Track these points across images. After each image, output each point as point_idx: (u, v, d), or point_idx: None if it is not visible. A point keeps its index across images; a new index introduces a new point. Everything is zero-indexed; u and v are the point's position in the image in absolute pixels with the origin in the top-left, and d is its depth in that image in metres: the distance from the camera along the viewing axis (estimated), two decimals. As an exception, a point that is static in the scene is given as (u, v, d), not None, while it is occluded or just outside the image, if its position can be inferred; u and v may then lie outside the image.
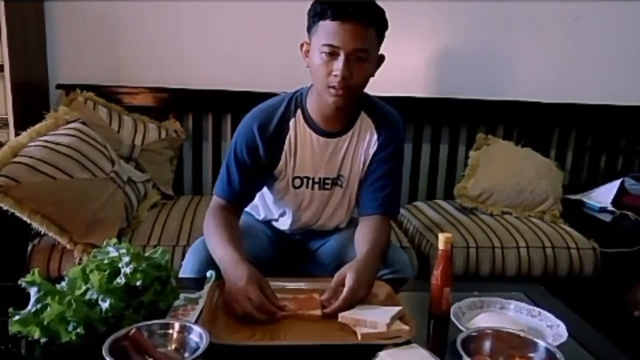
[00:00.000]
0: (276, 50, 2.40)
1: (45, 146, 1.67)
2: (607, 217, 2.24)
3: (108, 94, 2.26)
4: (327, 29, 1.24)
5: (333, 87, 1.27)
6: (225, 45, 2.40)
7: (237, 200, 1.43)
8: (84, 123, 1.87)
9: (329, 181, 1.45)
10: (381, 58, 1.35)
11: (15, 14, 2.04)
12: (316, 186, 1.45)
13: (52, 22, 2.30)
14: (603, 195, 2.35)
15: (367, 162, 1.44)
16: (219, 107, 2.41)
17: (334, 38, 1.23)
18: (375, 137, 1.43)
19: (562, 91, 2.58)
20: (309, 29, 1.31)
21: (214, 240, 1.31)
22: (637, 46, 2.62)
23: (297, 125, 1.40)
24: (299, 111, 1.40)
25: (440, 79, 2.55)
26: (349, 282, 1.14)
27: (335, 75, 1.25)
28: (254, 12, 2.37)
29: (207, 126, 2.43)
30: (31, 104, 2.16)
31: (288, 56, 2.38)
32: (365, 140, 1.43)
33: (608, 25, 2.58)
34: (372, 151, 1.44)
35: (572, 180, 2.60)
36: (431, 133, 2.54)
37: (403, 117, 1.50)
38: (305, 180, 1.44)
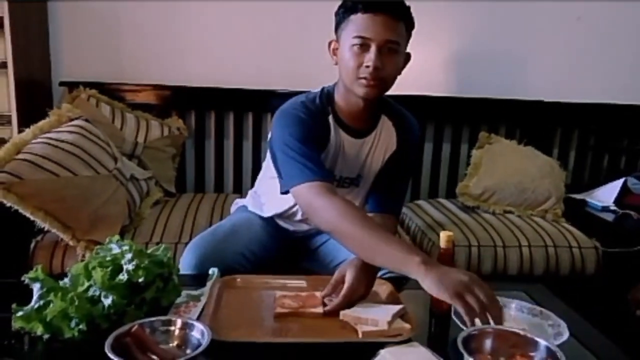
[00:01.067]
0: (279, 48, 2.41)
1: (48, 143, 1.68)
2: (609, 217, 2.24)
3: (111, 91, 2.27)
4: (359, 22, 1.25)
5: (364, 78, 1.26)
6: (227, 43, 2.40)
7: (326, 174, 1.26)
8: (86, 120, 1.88)
9: (348, 180, 1.46)
10: (408, 56, 1.35)
11: (19, 12, 2.04)
12: (335, 184, 1.43)
13: (55, 20, 2.30)
14: (605, 195, 2.35)
15: (384, 162, 1.45)
16: (222, 104, 2.41)
17: (366, 30, 1.23)
18: (394, 139, 1.44)
19: (564, 90, 2.57)
20: (338, 27, 1.31)
21: (369, 237, 1.11)
22: (640, 45, 2.62)
23: (333, 123, 1.38)
24: (329, 108, 1.38)
25: (443, 78, 2.55)
26: (349, 279, 1.14)
27: (367, 66, 1.24)
28: (256, 10, 2.37)
29: (209, 124, 2.43)
30: (34, 101, 2.16)
31: (290, 54, 2.39)
32: (386, 142, 1.44)
33: (610, 25, 2.57)
34: (390, 152, 1.45)
35: (574, 179, 2.60)
36: (434, 131, 2.54)
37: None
38: None
